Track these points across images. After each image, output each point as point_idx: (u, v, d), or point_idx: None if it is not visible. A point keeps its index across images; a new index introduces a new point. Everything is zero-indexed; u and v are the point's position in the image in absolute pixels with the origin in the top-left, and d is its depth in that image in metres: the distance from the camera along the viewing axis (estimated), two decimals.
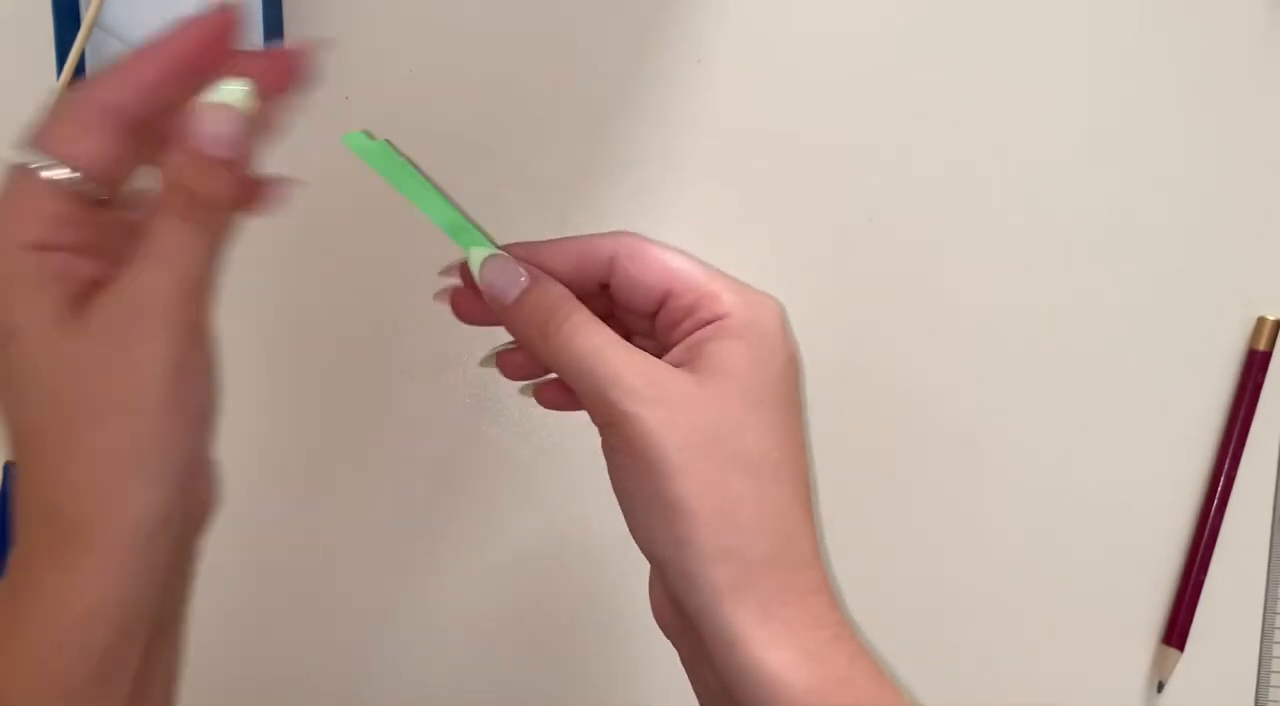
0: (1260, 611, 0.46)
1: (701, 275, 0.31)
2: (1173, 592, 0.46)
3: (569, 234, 0.32)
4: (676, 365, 0.30)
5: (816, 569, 0.30)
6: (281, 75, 0.30)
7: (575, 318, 0.30)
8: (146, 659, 0.29)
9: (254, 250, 0.32)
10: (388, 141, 0.33)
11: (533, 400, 0.35)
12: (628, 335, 0.31)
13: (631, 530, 0.30)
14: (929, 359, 0.45)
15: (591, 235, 0.32)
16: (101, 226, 0.28)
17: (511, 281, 0.31)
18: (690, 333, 0.31)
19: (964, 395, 0.46)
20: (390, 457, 0.45)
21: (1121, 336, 0.46)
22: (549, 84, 0.44)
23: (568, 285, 0.32)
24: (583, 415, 0.30)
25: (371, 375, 0.45)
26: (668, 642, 0.32)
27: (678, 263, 0.31)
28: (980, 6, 0.45)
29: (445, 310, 0.33)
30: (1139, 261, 0.45)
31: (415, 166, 0.33)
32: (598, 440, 0.30)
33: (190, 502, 0.30)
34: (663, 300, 0.31)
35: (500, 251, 0.32)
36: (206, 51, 0.29)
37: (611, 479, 0.30)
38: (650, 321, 0.32)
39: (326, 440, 0.45)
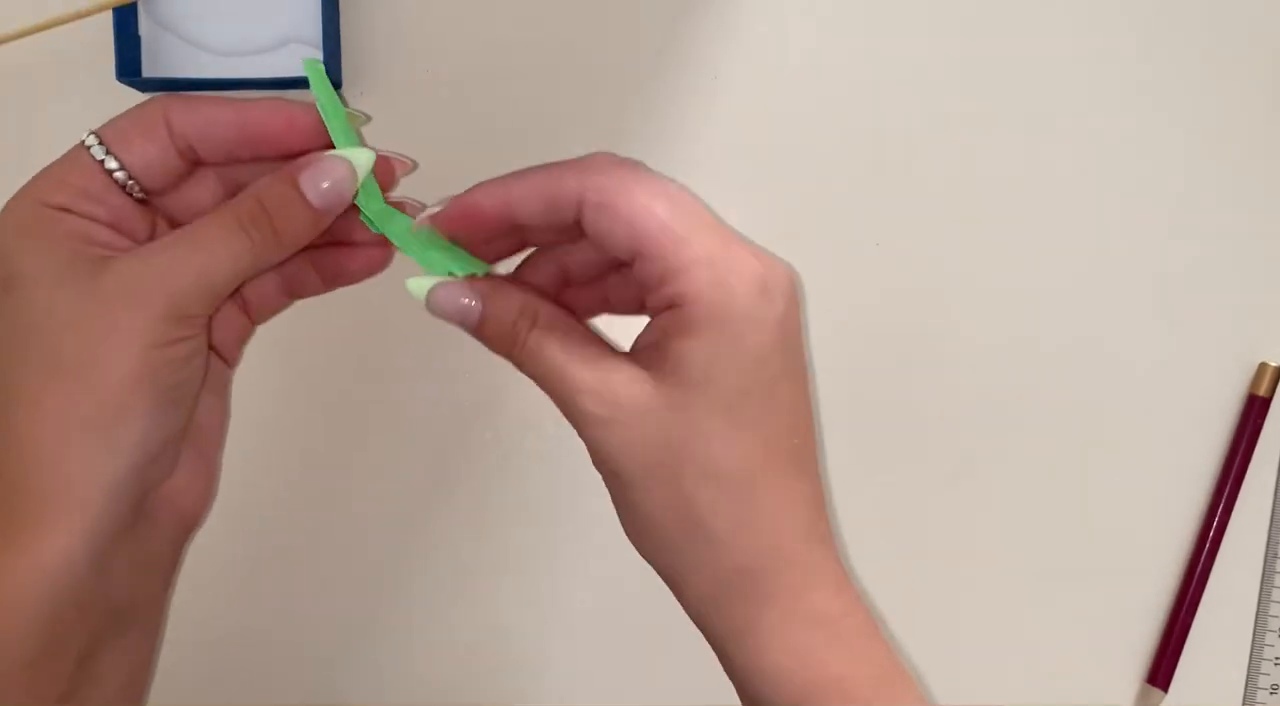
0: (1246, 656, 0.46)
1: (670, 240, 0.27)
2: (1159, 632, 0.46)
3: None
4: (644, 353, 0.28)
5: (813, 563, 0.28)
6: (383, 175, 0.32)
7: (534, 335, 0.29)
8: (98, 649, 0.28)
9: None
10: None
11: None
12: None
13: (625, 530, 0.30)
14: (930, 387, 0.45)
15: (565, 167, 0.28)
16: (131, 216, 0.29)
17: (464, 312, 0.30)
18: (658, 310, 0.28)
19: (963, 428, 0.46)
20: (388, 459, 0.45)
21: (1122, 378, 0.46)
22: (564, 97, 0.44)
23: (543, 229, 0.30)
24: None
25: (372, 375, 0.45)
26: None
27: (648, 220, 0.27)
28: (993, 33, 0.44)
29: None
30: (1142, 303, 0.45)
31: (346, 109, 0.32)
32: None
33: (168, 497, 0.30)
34: (633, 260, 0.28)
35: (444, 282, 0.30)
36: (286, 134, 0.30)
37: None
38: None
39: (323, 442, 0.45)
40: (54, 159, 0.29)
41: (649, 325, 0.29)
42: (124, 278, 0.27)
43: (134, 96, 0.43)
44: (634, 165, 0.29)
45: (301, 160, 0.29)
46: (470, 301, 0.29)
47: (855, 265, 0.45)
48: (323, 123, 0.30)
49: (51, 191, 0.28)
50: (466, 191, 0.30)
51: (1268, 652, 0.46)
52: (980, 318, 0.45)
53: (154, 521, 0.30)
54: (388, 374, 0.45)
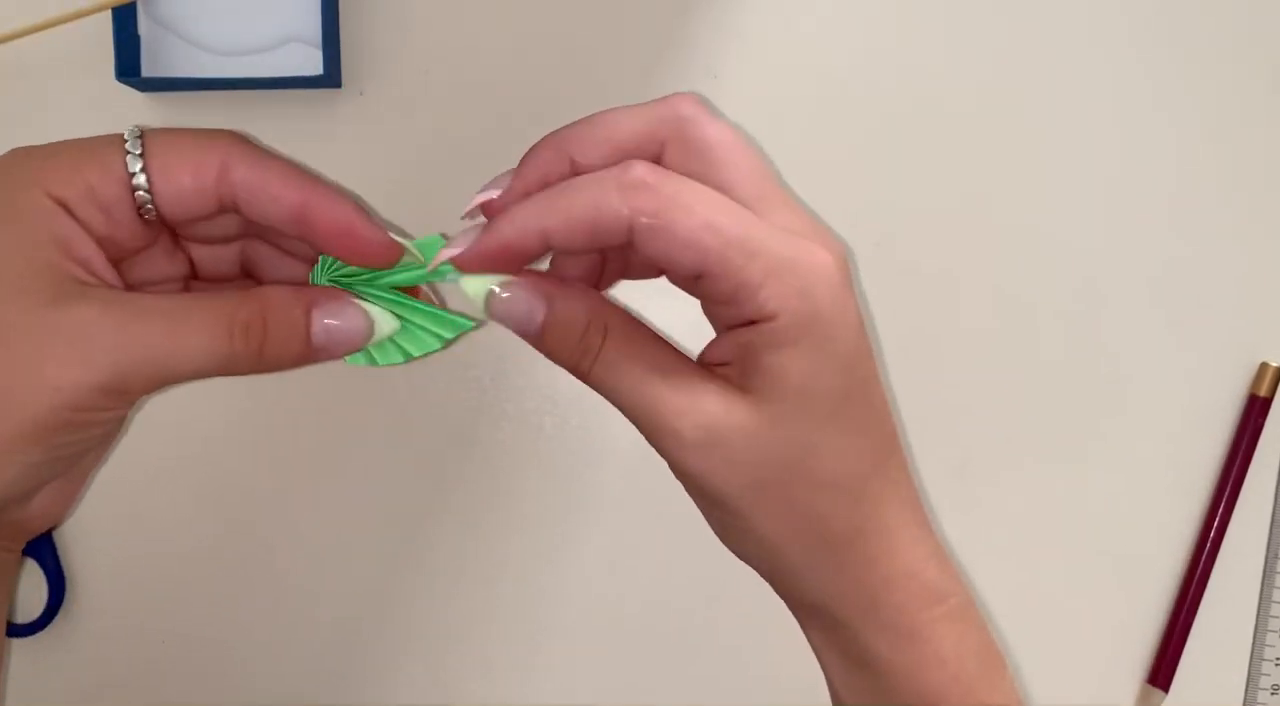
0: (1247, 657, 0.46)
1: (740, 256, 0.24)
2: (1160, 633, 0.46)
3: None
4: (729, 368, 0.26)
5: (920, 539, 0.28)
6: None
7: (606, 351, 0.26)
8: None
9: None
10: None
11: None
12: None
13: (723, 542, 0.29)
14: (929, 387, 0.45)
15: (607, 185, 0.25)
16: (125, 233, 0.26)
17: (527, 317, 0.26)
18: (734, 325, 0.26)
19: (962, 428, 0.46)
20: (387, 459, 0.45)
21: (1122, 377, 0.45)
22: (564, 96, 0.44)
23: (587, 259, 0.28)
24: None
25: (371, 376, 0.45)
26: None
27: (710, 240, 0.24)
28: (993, 33, 0.44)
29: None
30: (1142, 303, 0.45)
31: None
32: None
33: (17, 518, 0.29)
34: (696, 279, 0.25)
35: (511, 280, 0.27)
36: (342, 240, 0.27)
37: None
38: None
39: (322, 442, 0.45)
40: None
41: (724, 338, 0.27)
42: (80, 322, 0.24)
43: (134, 96, 0.43)
44: (703, 122, 0.26)
45: (325, 294, 0.27)
46: (534, 307, 0.26)
47: (855, 264, 0.45)
48: (386, 249, 0.27)
49: (61, 180, 0.25)
50: (493, 222, 0.26)
51: (1268, 653, 0.46)
52: (980, 317, 0.45)
53: (13, 529, 0.28)
54: (387, 374, 0.45)
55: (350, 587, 0.46)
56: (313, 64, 0.43)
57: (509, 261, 0.26)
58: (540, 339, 0.27)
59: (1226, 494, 0.45)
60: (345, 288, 0.28)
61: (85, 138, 0.26)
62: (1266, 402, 0.45)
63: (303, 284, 0.29)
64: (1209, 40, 0.45)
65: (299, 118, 0.44)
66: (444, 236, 0.28)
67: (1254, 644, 0.46)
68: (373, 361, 0.28)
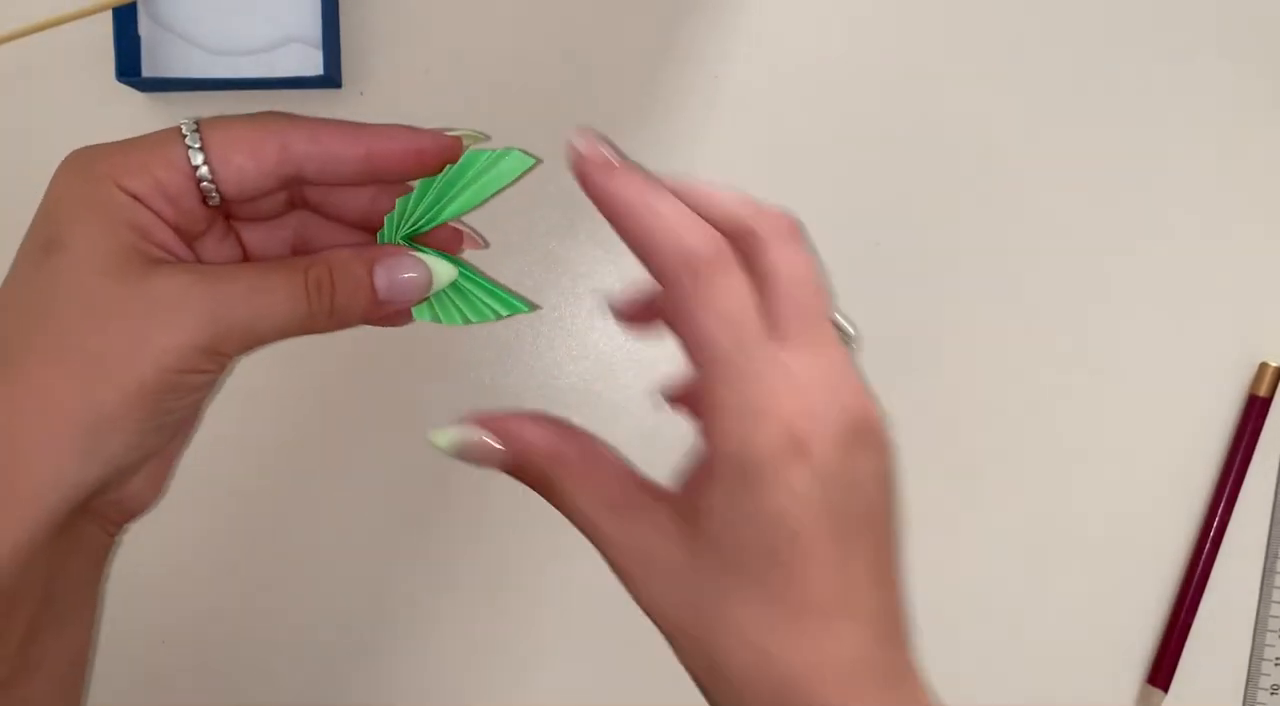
0: (1246, 657, 0.46)
1: (712, 377, 0.25)
2: (1160, 633, 0.46)
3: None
4: (679, 495, 0.27)
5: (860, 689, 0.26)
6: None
7: (563, 484, 0.28)
8: (36, 635, 0.28)
9: None
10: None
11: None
12: None
13: None
14: (929, 387, 0.45)
15: (699, 230, 0.26)
16: (195, 218, 0.28)
17: (499, 461, 0.29)
18: (697, 430, 0.27)
19: (962, 428, 0.46)
20: (386, 460, 0.45)
21: (1122, 378, 0.46)
22: (564, 97, 0.44)
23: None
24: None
25: (371, 376, 0.45)
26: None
27: (704, 349, 0.25)
28: (993, 33, 0.45)
29: None
30: (1143, 304, 0.45)
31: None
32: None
33: (116, 498, 0.29)
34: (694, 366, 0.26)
35: (468, 431, 0.29)
36: (414, 165, 0.29)
37: None
38: None
39: (322, 442, 0.45)
40: (60, 155, 0.27)
41: (689, 463, 0.27)
42: (174, 290, 0.26)
43: (134, 96, 0.43)
44: (790, 243, 0.27)
45: (385, 250, 0.29)
46: (497, 451, 0.29)
47: (855, 265, 0.45)
48: (446, 149, 0.30)
49: (131, 176, 0.26)
50: (622, 169, 0.27)
51: (1268, 653, 0.46)
52: (980, 318, 0.45)
53: (95, 514, 0.29)
54: (387, 374, 0.45)
55: (350, 587, 0.46)
56: (312, 64, 0.43)
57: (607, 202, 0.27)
58: (512, 473, 0.29)
59: (1226, 494, 0.45)
60: (409, 245, 0.31)
61: (145, 135, 0.27)
62: (1266, 402, 0.45)
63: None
64: (1209, 39, 0.45)
65: None
66: (519, 150, 0.31)
67: (1254, 644, 0.46)
68: (436, 318, 0.31)
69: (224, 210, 0.29)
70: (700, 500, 0.26)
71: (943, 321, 0.45)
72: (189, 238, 0.28)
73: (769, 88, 0.44)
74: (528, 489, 0.29)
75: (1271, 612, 0.46)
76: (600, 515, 0.27)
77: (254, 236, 0.31)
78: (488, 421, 0.29)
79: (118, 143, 0.27)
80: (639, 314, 0.32)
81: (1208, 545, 0.45)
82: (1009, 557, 0.46)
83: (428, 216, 0.30)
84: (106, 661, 0.46)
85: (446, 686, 0.46)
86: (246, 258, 0.31)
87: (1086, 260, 0.45)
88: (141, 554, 0.45)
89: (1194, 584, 0.45)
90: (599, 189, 0.27)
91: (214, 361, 0.27)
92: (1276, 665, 0.46)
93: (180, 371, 0.26)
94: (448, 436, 0.29)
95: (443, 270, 0.30)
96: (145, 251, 0.26)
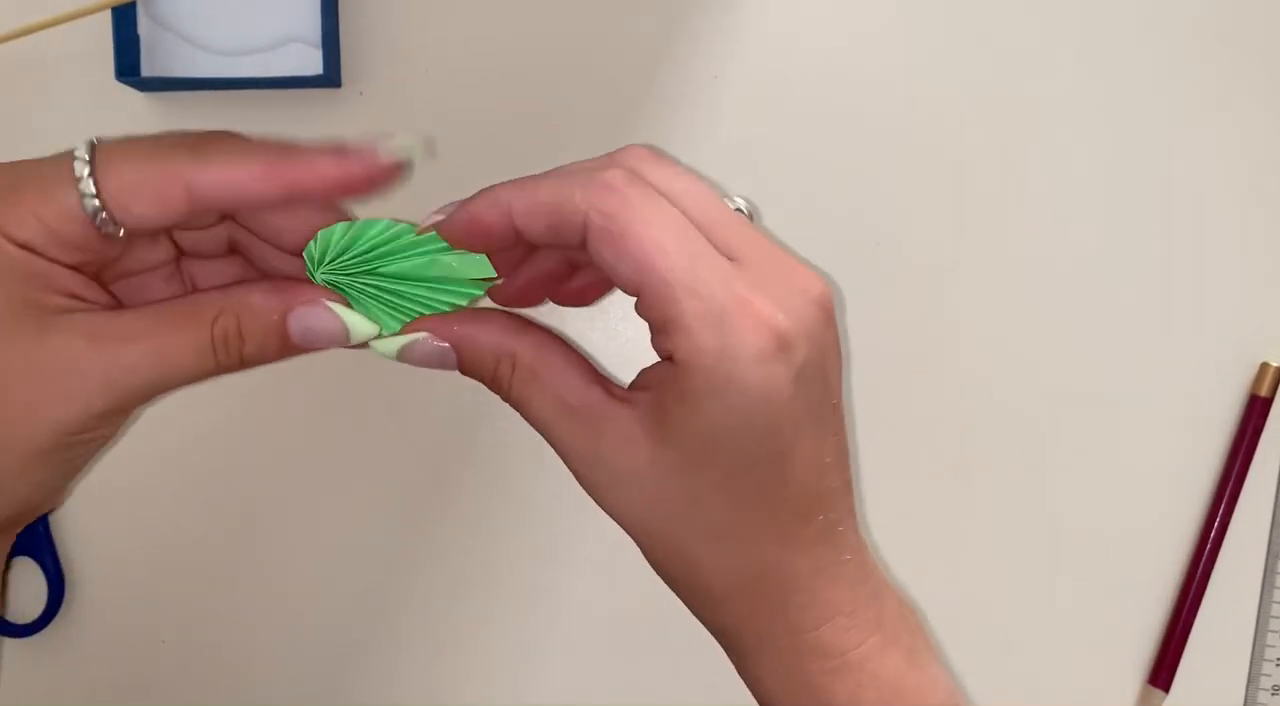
0: (1247, 657, 0.46)
1: (674, 288, 0.24)
2: (1161, 633, 0.46)
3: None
4: (644, 404, 0.26)
5: (822, 601, 0.27)
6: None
7: (515, 382, 0.27)
8: None
9: None
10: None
11: None
12: None
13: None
14: (930, 387, 0.45)
15: (575, 180, 0.25)
16: (99, 250, 0.26)
17: (440, 358, 0.27)
18: (659, 353, 0.26)
19: (963, 428, 0.46)
20: (387, 459, 0.45)
21: (1122, 378, 0.45)
22: (563, 97, 0.44)
23: (551, 246, 0.27)
24: None
25: (371, 376, 0.45)
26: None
27: (654, 259, 0.24)
28: (994, 33, 0.44)
29: None
30: (1144, 304, 0.45)
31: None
32: None
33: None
34: (637, 295, 0.25)
35: (416, 336, 0.27)
36: (335, 191, 0.26)
37: None
38: None
39: (322, 442, 0.45)
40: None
41: (651, 368, 0.26)
42: (67, 358, 0.25)
43: (134, 96, 0.43)
44: (660, 165, 0.26)
45: (299, 297, 0.27)
46: (444, 349, 0.27)
47: (855, 265, 0.45)
48: (386, 173, 0.26)
49: (20, 226, 0.24)
50: (473, 197, 0.26)
51: (1269, 653, 0.46)
52: (980, 318, 0.45)
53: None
54: (387, 374, 0.45)
55: (350, 588, 0.46)
56: (312, 64, 0.43)
57: (480, 237, 0.26)
58: (463, 371, 0.28)
59: (1227, 494, 0.45)
60: (337, 284, 0.28)
61: (34, 168, 0.25)
62: (1267, 402, 0.45)
63: (298, 260, 0.28)
64: (1210, 39, 0.45)
65: (299, 118, 0.44)
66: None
67: (1254, 644, 0.46)
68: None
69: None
70: (673, 405, 0.25)
71: (943, 321, 0.45)
72: (105, 262, 0.27)
73: (769, 87, 0.44)
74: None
75: (1272, 613, 0.46)
76: (558, 419, 0.26)
77: (186, 236, 0.29)
78: (430, 321, 0.27)
79: (5, 176, 0.25)
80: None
81: (1209, 545, 0.45)
82: (1009, 558, 0.46)
83: (360, 267, 0.28)
84: (106, 661, 0.46)
85: (446, 686, 0.46)
86: (182, 253, 0.29)
87: (1087, 260, 0.45)
88: (141, 554, 0.46)
89: (1195, 584, 0.45)
90: (501, 222, 0.25)
91: (113, 421, 0.26)
92: (1277, 665, 0.46)
93: (78, 434, 0.25)
94: (391, 343, 0.27)
95: (361, 328, 0.27)
96: (44, 303, 0.25)
